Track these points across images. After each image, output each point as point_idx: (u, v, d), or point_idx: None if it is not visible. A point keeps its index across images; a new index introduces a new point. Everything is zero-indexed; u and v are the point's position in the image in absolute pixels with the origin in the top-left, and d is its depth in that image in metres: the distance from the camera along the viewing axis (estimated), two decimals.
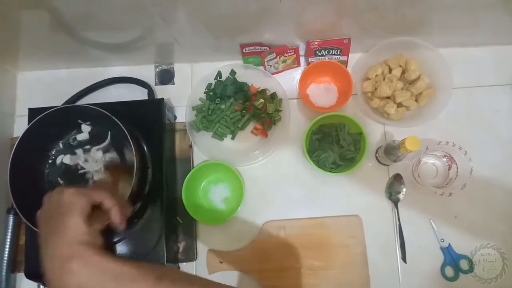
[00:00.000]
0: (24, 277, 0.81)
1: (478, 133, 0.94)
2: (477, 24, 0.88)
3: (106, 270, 0.49)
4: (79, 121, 0.84)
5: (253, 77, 0.96)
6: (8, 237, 0.87)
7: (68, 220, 0.53)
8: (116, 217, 0.59)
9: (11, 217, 0.88)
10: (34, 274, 0.81)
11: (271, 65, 0.96)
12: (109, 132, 0.83)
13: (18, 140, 0.75)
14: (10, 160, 0.74)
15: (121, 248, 0.80)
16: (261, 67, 0.97)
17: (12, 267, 0.88)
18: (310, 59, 0.96)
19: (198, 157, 0.95)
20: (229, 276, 0.88)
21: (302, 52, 0.97)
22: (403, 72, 0.93)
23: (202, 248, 0.90)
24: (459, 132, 0.93)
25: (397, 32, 0.89)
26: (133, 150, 0.74)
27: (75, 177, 0.83)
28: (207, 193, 0.93)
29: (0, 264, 0.86)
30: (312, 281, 0.87)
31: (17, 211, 0.72)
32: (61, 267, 0.49)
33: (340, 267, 0.87)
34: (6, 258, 0.87)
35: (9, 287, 0.87)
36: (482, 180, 0.90)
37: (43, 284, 0.85)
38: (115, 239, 0.80)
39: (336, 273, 0.87)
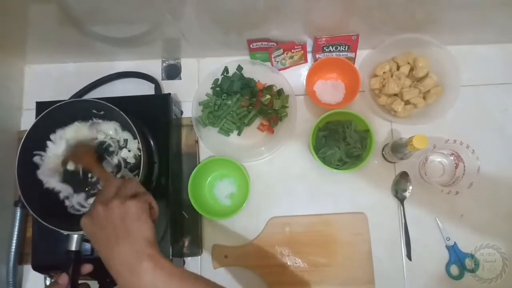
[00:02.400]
0: (31, 269, 0.82)
1: (486, 132, 0.93)
2: (486, 22, 0.87)
3: (172, 271, 0.54)
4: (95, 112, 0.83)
5: (260, 73, 0.96)
6: (16, 229, 0.88)
7: (141, 226, 0.57)
8: (156, 214, 0.64)
9: (19, 210, 0.88)
10: (41, 266, 0.81)
11: (278, 61, 0.96)
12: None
13: (26, 133, 0.75)
14: (18, 153, 0.74)
15: None
16: (268, 63, 0.97)
17: (20, 259, 0.89)
18: (317, 55, 0.96)
19: (204, 153, 0.95)
20: (233, 271, 0.89)
21: (309, 48, 0.97)
22: (411, 70, 0.93)
23: (207, 243, 0.91)
24: (466, 130, 0.92)
25: (406, 30, 0.88)
26: (140, 145, 0.74)
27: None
28: (212, 188, 0.93)
29: (8, 256, 0.87)
30: (316, 277, 0.87)
31: (25, 203, 0.72)
32: (134, 268, 0.53)
33: (345, 264, 0.88)
34: (13, 250, 0.88)
35: (16, 279, 0.88)
36: (489, 179, 0.89)
37: (50, 276, 0.85)
38: None
39: (341, 270, 0.87)
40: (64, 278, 0.59)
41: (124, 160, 0.80)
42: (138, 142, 0.75)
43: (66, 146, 0.80)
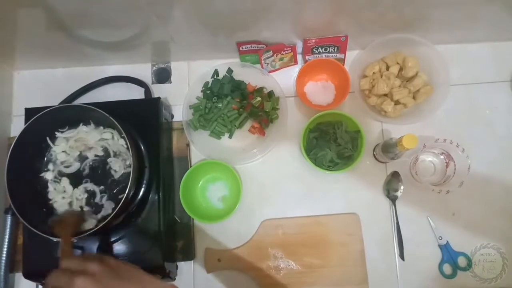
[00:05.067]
0: (22, 277, 0.81)
1: (476, 130, 0.94)
2: (475, 20, 0.88)
3: None
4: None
5: (250, 75, 0.96)
6: (6, 237, 0.87)
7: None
8: None
9: (9, 217, 0.88)
10: (32, 273, 0.81)
11: (268, 63, 0.96)
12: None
13: (15, 140, 0.75)
14: (7, 160, 0.74)
15: (119, 247, 0.80)
16: (258, 65, 0.97)
17: (11, 267, 0.88)
18: (307, 57, 0.96)
19: (196, 156, 0.95)
20: (227, 275, 0.89)
21: (299, 50, 0.97)
22: (401, 70, 0.93)
23: (200, 247, 0.90)
24: (457, 129, 0.93)
25: (395, 29, 0.88)
26: (130, 150, 0.74)
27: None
28: (204, 191, 0.93)
29: None
30: (310, 279, 0.87)
31: (15, 211, 0.72)
32: None
33: (338, 264, 0.88)
34: (4, 258, 0.87)
35: (7, 287, 0.88)
36: (480, 178, 0.90)
37: (41, 284, 0.85)
38: (113, 238, 0.80)
39: (334, 271, 0.87)
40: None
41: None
42: (128, 147, 0.75)
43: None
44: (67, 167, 0.82)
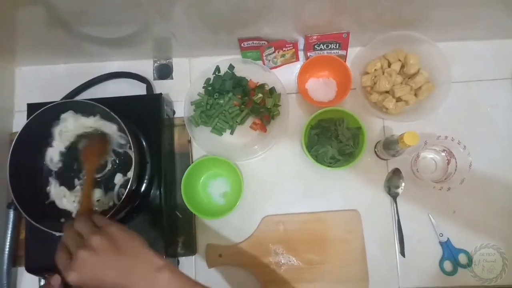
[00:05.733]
0: (25, 271, 0.82)
1: (477, 128, 0.94)
2: (476, 18, 0.88)
3: (187, 278, 0.57)
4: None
5: (252, 72, 0.96)
6: (9, 231, 0.88)
7: (135, 240, 0.58)
8: None
9: (12, 212, 0.88)
10: (35, 268, 0.81)
11: (269, 60, 0.96)
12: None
13: (17, 135, 0.75)
14: (9, 155, 0.74)
15: None
16: (260, 62, 0.97)
17: (13, 262, 0.89)
18: (308, 54, 0.96)
19: (197, 152, 0.95)
20: (228, 270, 0.89)
21: (300, 46, 0.97)
22: (402, 67, 0.93)
23: (201, 243, 0.91)
24: (458, 126, 0.93)
25: (396, 26, 0.88)
26: (132, 145, 0.74)
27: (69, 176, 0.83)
28: (206, 187, 0.93)
29: (1, 259, 0.87)
30: (310, 275, 0.88)
31: (17, 206, 0.72)
32: (153, 277, 0.55)
33: (339, 261, 0.88)
34: (7, 252, 0.87)
35: (10, 281, 0.88)
36: (481, 175, 0.90)
37: (44, 278, 0.85)
38: None
39: (335, 268, 0.88)
40: (56, 280, 0.59)
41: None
42: (130, 142, 0.75)
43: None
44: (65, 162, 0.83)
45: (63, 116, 0.80)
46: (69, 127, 0.81)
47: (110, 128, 0.81)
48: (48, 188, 0.81)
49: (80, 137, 0.81)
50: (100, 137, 0.81)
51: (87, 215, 0.61)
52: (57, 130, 0.81)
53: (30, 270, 0.81)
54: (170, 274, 0.55)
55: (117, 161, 0.81)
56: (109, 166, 0.81)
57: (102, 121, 0.81)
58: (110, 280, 0.54)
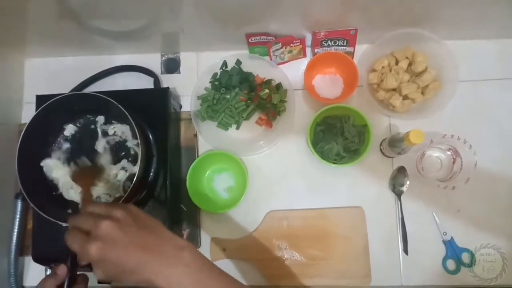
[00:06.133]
0: (32, 261, 0.83)
1: (483, 127, 0.93)
2: (484, 17, 0.87)
3: (206, 259, 0.57)
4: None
5: (259, 67, 0.96)
6: (17, 221, 0.89)
7: (155, 220, 0.57)
8: None
9: (19, 202, 0.90)
10: (41, 257, 0.83)
11: (277, 56, 0.96)
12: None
13: (26, 126, 0.76)
14: (18, 146, 0.75)
15: None
16: (267, 57, 0.97)
17: (20, 251, 0.90)
18: (316, 50, 0.96)
19: (203, 146, 0.95)
20: (231, 264, 0.90)
21: (308, 42, 0.97)
22: (410, 64, 0.93)
23: (205, 236, 0.92)
24: (464, 125, 0.92)
25: (404, 24, 0.88)
26: (138, 138, 0.75)
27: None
28: (211, 182, 0.94)
29: (9, 248, 0.89)
30: (313, 271, 0.88)
31: (25, 196, 0.73)
32: (177, 257, 0.54)
33: (342, 258, 0.88)
34: (14, 242, 0.89)
35: (17, 270, 0.90)
36: (486, 174, 0.90)
37: (50, 268, 0.87)
38: None
39: (337, 264, 0.88)
40: (62, 269, 0.60)
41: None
42: (137, 136, 0.75)
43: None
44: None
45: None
46: None
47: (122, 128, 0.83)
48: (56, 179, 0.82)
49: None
50: (92, 167, 0.81)
51: (96, 201, 0.60)
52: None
53: (37, 259, 0.83)
54: (191, 254, 0.55)
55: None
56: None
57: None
58: (135, 257, 0.51)
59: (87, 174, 0.78)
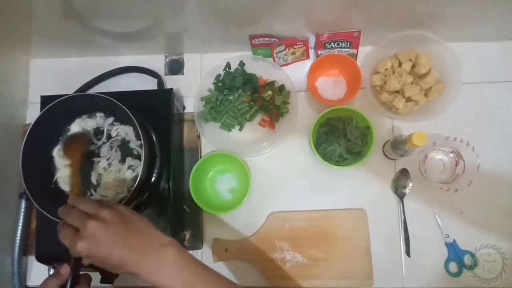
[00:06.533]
0: (35, 260, 0.84)
1: (487, 130, 0.93)
2: (488, 18, 0.87)
3: (190, 256, 0.59)
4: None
5: (262, 69, 0.96)
6: (20, 221, 0.90)
7: (141, 218, 0.60)
8: None
9: (23, 202, 0.90)
10: (45, 257, 0.83)
11: (280, 57, 0.96)
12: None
13: (30, 127, 0.77)
14: (22, 147, 0.76)
15: None
16: (270, 59, 0.97)
17: (24, 250, 0.91)
18: (319, 52, 0.96)
19: (206, 148, 0.96)
20: (233, 265, 0.90)
21: (311, 44, 0.97)
22: (413, 66, 0.93)
23: (208, 237, 0.92)
24: (467, 128, 0.92)
25: (408, 26, 0.88)
26: (142, 139, 0.75)
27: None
28: (213, 183, 0.94)
29: (13, 247, 0.89)
30: (315, 272, 0.88)
31: (29, 196, 0.74)
32: (161, 253, 0.57)
33: (344, 259, 0.88)
34: (18, 241, 0.89)
35: (21, 269, 0.90)
36: (489, 177, 0.89)
37: (54, 267, 0.87)
38: None
39: (339, 265, 0.88)
40: (65, 269, 0.60)
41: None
42: (140, 137, 0.76)
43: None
44: None
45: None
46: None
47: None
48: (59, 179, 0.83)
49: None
50: (79, 138, 0.82)
51: (86, 197, 0.62)
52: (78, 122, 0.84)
53: (40, 259, 0.83)
54: (175, 250, 0.57)
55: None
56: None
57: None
58: (118, 253, 0.55)
59: (77, 144, 0.80)
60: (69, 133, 0.84)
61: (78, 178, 0.75)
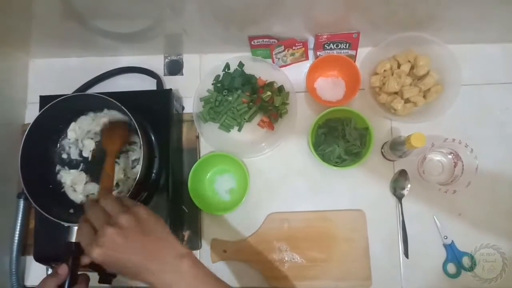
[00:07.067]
0: (33, 260, 0.84)
1: (486, 131, 0.93)
2: (488, 20, 0.87)
3: (206, 269, 0.58)
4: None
5: (261, 70, 0.96)
6: (19, 221, 0.90)
7: (161, 224, 0.58)
8: None
9: (22, 202, 0.90)
10: (43, 257, 0.83)
11: (279, 58, 0.96)
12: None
13: (29, 126, 0.77)
14: (21, 146, 0.76)
15: None
16: (269, 60, 0.97)
17: (22, 250, 0.91)
18: (318, 53, 0.96)
19: (205, 148, 0.96)
20: (232, 265, 0.90)
21: (310, 45, 0.97)
22: (412, 68, 0.93)
23: (206, 237, 0.92)
24: (466, 129, 0.92)
25: (407, 27, 0.88)
26: (141, 139, 0.75)
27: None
28: (212, 183, 0.94)
29: (11, 247, 0.89)
30: (313, 273, 0.88)
31: (27, 195, 0.74)
32: (176, 264, 0.55)
33: (342, 260, 0.88)
34: (16, 241, 0.89)
35: (19, 269, 0.90)
36: (487, 178, 0.90)
37: (52, 267, 0.87)
38: None
39: (338, 266, 0.88)
40: (63, 269, 0.60)
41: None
42: (139, 136, 0.76)
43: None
44: (79, 155, 0.85)
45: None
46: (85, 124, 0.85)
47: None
48: (58, 179, 0.83)
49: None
50: (121, 124, 0.82)
51: (112, 195, 0.60)
52: (73, 126, 0.85)
53: (38, 259, 0.83)
54: (191, 262, 0.56)
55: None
56: None
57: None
58: (134, 261, 0.54)
59: (118, 132, 0.79)
60: (106, 120, 0.83)
61: (112, 170, 0.73)
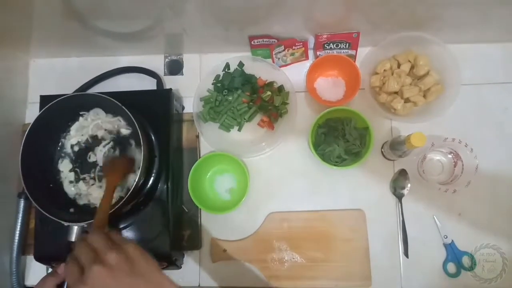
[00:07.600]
0: (33, 260, 0.84)
1: (485, 131, 0.93)
2: (488, 20, 0.87)
3: None
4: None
5: (261, 70, 0.96)
6: (19, 220, 0.90)
7: (150, 261, 0.55)
8: None
9: (22, 201, 0.90)
10: (43, 256, 0.83)
11: (279, 58, 0.96)
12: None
13: (30, 126, 0.77)
14: (21, 146, 0.76)
15: (127, 234, 0.82)
16: (269, 60, 0.97)
17: (23, 250, 0.91)
18: (318, 53, 0.96)
19: (205, 148, 0.96)
20: (232, 265, 0.90)
21: (310, 45, 0.97)
22: (412, 68, 0.93)
23: (206, 237, 0.92)
24: (466, 129, 0.92)
25: (407, 27, 0.88)
26: (141, 139, 0.75)
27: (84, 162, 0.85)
28: (212, 183, 0.94)
29: (11, 247, 0.89)
30: (313, 272, 0.88)
31: (28, 195, 0.74)
32: None
33: (342, 260, 0.88)
34: (16, 241, 0.89)
35: (19, 269, 0.90)
36: (487, 178, 0.90)
37: (52, 267, 0.87)
38: (122, 226, 0.82)
39: (338, 266, 0.88)
40: (63, 269, 0.60)
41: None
42: (139, 136, 0.76)
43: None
44: (79, 153, 0.85)
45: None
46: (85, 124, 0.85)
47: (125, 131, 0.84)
48: (58, 179, 0.83)
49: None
50: (125, 158, 0.81)
51: (103, 230, 0.58)
52: (75, 125, 0.85)
53: (38, 258, 0.83)
54: None
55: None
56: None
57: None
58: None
59: (117, 168, 0.78)
60: (109, 154, 0.83)
61: (107, 204, 0.69)
